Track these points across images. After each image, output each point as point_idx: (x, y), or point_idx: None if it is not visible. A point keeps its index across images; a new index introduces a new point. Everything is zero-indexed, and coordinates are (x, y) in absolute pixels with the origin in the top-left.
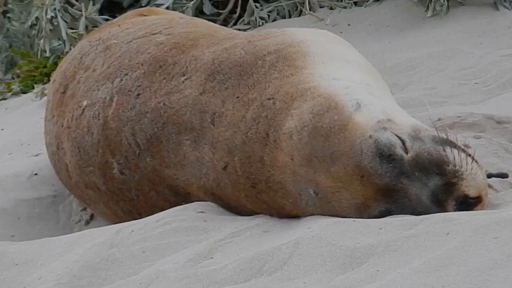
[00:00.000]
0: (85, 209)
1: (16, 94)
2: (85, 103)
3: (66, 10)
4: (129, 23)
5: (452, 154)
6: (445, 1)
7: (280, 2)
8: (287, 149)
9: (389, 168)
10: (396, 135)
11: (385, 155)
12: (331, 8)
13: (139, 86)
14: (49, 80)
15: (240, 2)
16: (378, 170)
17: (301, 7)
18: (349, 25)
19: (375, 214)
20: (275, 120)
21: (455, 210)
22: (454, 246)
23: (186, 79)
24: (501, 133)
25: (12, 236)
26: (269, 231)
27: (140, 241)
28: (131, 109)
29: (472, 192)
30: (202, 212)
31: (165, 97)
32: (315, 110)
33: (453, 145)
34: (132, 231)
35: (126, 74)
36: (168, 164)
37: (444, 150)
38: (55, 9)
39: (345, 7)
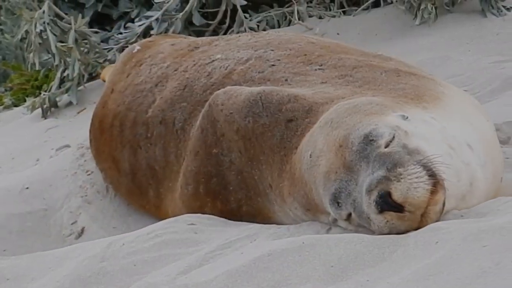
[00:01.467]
0: (75, 222)
1: (7, 107)
2: (218, 56)
3: (55, 23)
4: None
5: (413, 166)
6: (433, 8)
7: (269, 12)
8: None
9: (361, 147)
10: (393, 135)
11: (369, 139)
12: (320, 18)
13: (278, 60)
14: (40, 93)
15: (229, 12)
16: (354, 146)
17: (290, 16)
18: (338, 34)
19: (330, 192)
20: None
21: (374, 202)
22: (443, 254)
23: (318, 69)
24: None
25: (4, 250)
26: (259, 242)
27: (131, 254)
28: (259, 72)
29: (396, 195)
30: (192, 224)
31: (292, 74)
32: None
33: (428, 168)
34: (123, 244)
35: (272, 50)
36: None
37: (410, 162)
38: (44, 22)
39: (334, 16)
